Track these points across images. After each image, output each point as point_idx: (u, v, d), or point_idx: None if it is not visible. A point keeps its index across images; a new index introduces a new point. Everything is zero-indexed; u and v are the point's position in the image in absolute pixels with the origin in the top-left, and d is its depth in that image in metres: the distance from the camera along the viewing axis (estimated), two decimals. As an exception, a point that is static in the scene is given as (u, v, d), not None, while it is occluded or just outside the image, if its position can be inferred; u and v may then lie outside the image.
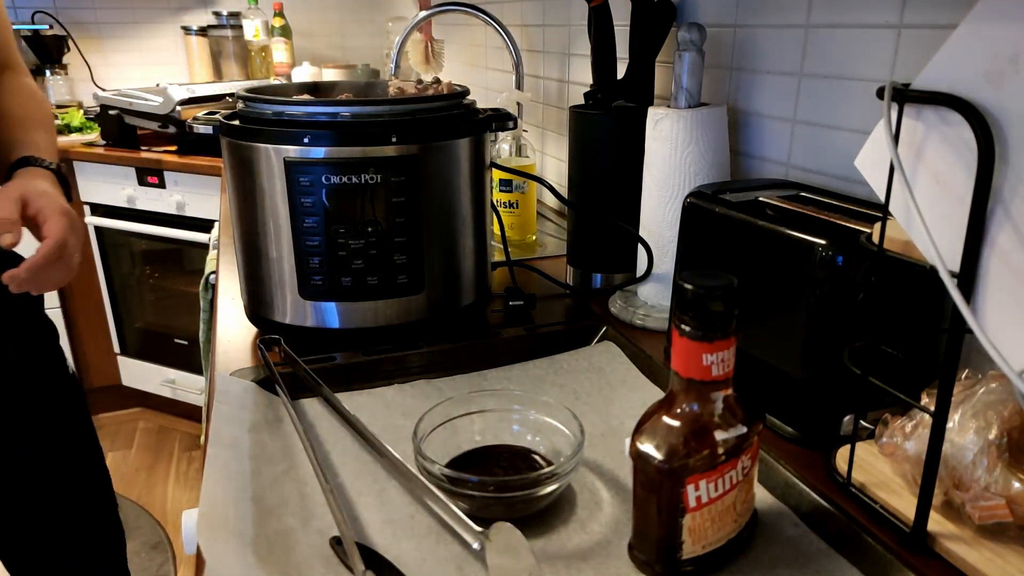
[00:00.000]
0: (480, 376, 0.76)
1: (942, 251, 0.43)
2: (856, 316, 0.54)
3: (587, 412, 0.69)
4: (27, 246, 0.80)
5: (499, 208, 1.18)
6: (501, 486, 0.54)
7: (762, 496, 0.57)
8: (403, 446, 0.62)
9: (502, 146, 1.26)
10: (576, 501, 0.57)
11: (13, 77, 1.02)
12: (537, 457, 0.60)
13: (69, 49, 2.55)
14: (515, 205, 1.21)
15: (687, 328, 0.45)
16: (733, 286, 0.45)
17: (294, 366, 0.73)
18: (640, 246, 0.88)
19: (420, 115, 0.76)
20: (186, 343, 2.35)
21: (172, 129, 2.01)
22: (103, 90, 2.32)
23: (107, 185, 2.19)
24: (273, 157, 0.73)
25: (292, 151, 0.72)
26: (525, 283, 0.98)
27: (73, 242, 0.84)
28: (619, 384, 0.74)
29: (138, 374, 2.48)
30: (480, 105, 0.85)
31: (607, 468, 0.61)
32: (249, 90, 0.80)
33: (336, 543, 0.51)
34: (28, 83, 1.03)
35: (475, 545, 0.50)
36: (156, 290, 2.47)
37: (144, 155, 2.10)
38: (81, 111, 2.38)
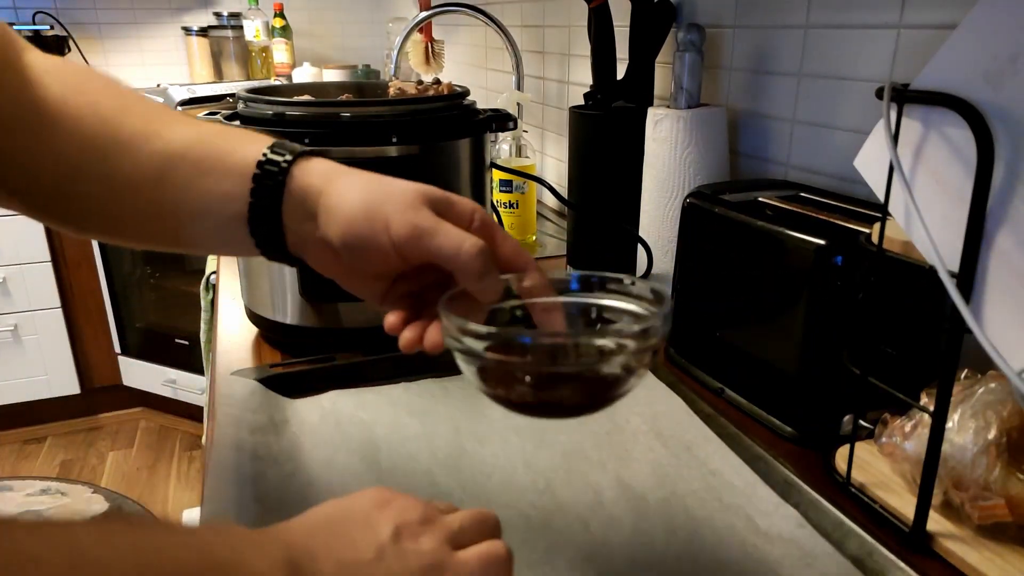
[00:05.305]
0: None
1: (942, 251, 0.43)
2: (855, 316, 0.54)
3: (587, 412, 0.69)
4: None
5: (499, 208, 1.18)
6: (566, 351, 0.40)
7: (761, 495, 0.57)
8: (409, 446, 0.62)
9: (502, 146, 1.26)
10: (579, 500, 0.57)
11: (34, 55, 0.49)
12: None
13: (70, 49, 2.55)
14: (515, 205, 1.21)
15: None
16: None
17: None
18: (640, 246, 0.88)
19: (420, 115, 0.76)
20: (187, 343, 2.35)
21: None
22: (104, 90, 2.32)
23: (108, 185, 2.19)
24: (274, 158, 0.73)
25: (293, 152, 0.72)
26: (525, 283, 0.98)
27: None
28: (619, 384, 0.74)
29: (139, 374, 2.48)
30: (480, 105, 0.85)
31: (610, 467, 0.61)
32: (249, 90, 0.80)
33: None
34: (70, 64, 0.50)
35: None
36: (157, 290, 2.47)
37: (145, 155, 2.10)
38: (82, 111, 2.38)
